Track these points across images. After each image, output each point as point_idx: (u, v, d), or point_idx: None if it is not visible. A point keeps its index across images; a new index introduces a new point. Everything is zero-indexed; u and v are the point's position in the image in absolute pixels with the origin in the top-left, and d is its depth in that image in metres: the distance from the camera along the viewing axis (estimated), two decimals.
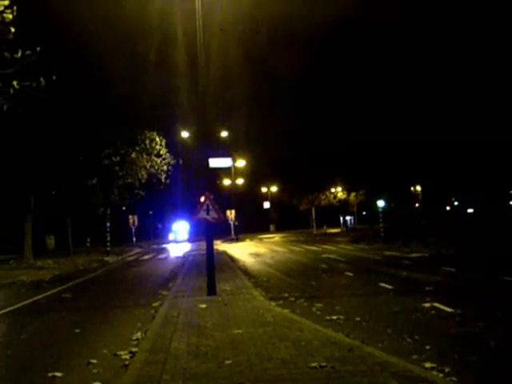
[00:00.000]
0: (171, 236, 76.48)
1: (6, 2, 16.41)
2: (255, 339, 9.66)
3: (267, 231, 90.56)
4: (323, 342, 9.24)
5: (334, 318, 12.17)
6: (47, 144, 33.75)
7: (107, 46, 32.94)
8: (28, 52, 17.32)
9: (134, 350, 9.53)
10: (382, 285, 17.61)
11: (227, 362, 8.14)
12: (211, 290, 15.30)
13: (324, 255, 32.87)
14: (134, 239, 58.05)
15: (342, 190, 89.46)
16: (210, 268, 15.42)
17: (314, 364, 7.79)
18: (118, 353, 9.52)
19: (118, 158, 39.89)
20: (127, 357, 9.18)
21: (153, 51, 36.67)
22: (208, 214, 15.04)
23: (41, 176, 36.71)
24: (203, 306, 13.54)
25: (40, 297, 19.46)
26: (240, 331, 10.29)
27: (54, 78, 20.01)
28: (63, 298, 18.85)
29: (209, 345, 9.34)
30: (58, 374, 8.42)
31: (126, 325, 12.68)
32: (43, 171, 36.19)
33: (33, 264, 34.16)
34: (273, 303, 14.17)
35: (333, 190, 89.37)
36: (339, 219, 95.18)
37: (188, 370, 7.81)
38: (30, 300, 18.59)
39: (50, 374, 8.41)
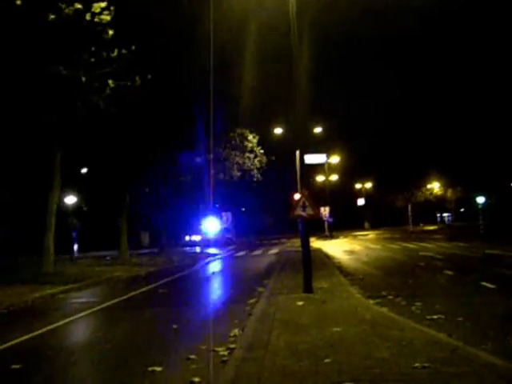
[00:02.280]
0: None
1: (103, 4, 16.80)
2: (354, 337, 9.45)
3: (361, 228, 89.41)
4: (425, 342, 8.92)
5: (435, 317, 11.77)
6: (141, 142, 34.44)
7: (197, 43, 33.28)
8: (124, 51, 17.70)
9: (231, 346, 9.50)
10: (484, 284, 16.94)
11: (326, 360, 7.98)
12: (307, 287, 15.14)
13: (421, 253, 32.09)
14: (228, 236, 58.56)
15: (440, 186, 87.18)
16: (307, 265, 15.27)
17: (416, 364, 7.51)
18: (216, 349, 9.52)
19: (212, 156, 40.31)
20: (225, 353, 9.16)
21: (246, 49, 36.79)
22: (304, 210, 14.90)
23: (135, 174, 37.60)
24: (300, 303, 13.41)
25: (136, 292, 19.85)
26: (338, 329, 10.10)
27: (149, 76, 20.37)
28: (159, 294, 19.16)
29: (307, 342, 9.21)
30: (158, 369, 8.49)
31: (222, 321, 12.70)
32: (138, 169, 37.03)
33: (128, 260, 35.02)
34: (371, 301, 13.88)
35: (429, 186, 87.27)
36: (436, 216, 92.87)
37: (287, 368, 7.70)
38: (127, 296, 18.99)
39: (150, 369, 8.49)
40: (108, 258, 37.81)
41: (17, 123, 22.32)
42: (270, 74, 39.37)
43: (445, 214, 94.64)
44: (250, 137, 42.39)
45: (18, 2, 16.60)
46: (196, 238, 57.14)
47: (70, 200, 39.05)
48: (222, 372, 7.98)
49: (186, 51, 32.87)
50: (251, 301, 14.96)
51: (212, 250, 45.21)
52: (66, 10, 16.08)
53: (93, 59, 17.69)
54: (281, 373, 7.49)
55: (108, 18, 16.59)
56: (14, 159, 27.40)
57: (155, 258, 37.10)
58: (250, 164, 42.76)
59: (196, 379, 7.82)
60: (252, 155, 42.71)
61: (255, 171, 43.27)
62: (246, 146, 42.29)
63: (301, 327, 10.48)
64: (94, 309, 15.98)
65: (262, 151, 43.37)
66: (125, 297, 18.70)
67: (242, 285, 20.39)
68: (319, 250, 36.83)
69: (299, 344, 9.10)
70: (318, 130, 59.38)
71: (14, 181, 32.71)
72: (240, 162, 42.39)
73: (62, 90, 19.59)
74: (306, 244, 15.41)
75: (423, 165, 75.36)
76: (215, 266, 31.84)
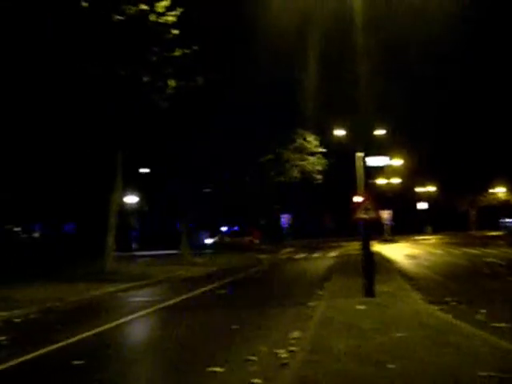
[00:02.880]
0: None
1: (166, 3, 16.83)
2: (417, 343, 9.21)
3: (422, 232, 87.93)
4: (491, 351, 8.62)
5: (500, 325, 11.38)
6: (205, 143, 34.59)
7: (260, 44, 33.24)
8: (186, 50, 17.76)
9: (292, 348, 9.39)
10: None
11: (389, 365, 7.77)
12: (369, 291, 14.90)
13: (485, 259, 31.32)
14: (288, 238, 58.45)
15: (506, 191, 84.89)
16: (368, 269, 15.03)
17: (483, 373, 7.23)
18: (277, 351, 9.41)
19: (271, 156, 40.27)
20: (286, 355, 9.05)
21: (310, 51, 36.55)
22: (366, 213, 14.67)
23: (195, 174, 37.81)
24: (361, 307, 13.19)
25: (196, 292, 19.93)
26: (400, 334, 9.86)
27: (213, 76, 20.41)
28: (219, 294, 19.19)
29: (369, 347, 9.01)
30: (218, 370, 8.42)
31: (282, 323, 12.60)
32: (198, 169, 37.23)
33: (190, 260, 35.23)
34: (433, 307, 13.55)
35: (492, 190, 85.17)
36: (499, 221, 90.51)
37: (349, 372, 7.53)
38: (187, 295, 19.07)
39: (210, 369, 8.43)
40: (170, 257, 38.13)
41: (80, 123, 22.70)
42: (331, 75, 38.99)
43: (508, 220, 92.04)
44: (311, 138, 42.21)
45: (85, 4, 16.89)
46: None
47: (131, 200, 39.60)
48: (283, 374, 7.86)
49: (246, 50, 32.83)
50: (311, 303, 14.82)
51: (271, 252, 45.12)
52: (131, 11, 16.23)
53: (155, 58, 17.82)
54: (343, 377, 7.33)
55: (173, 18, 16.68)
56: (79, 159, 27.91)
57: (215, 257, 37.25)
58: (310, 166, 42.59)
59: (256, 381, 7.72)
60: (313, 157, 42.53)
61: (316, 173, 43.06)
62: (307, 148, 42.13)
63: (362, 331, 10.29)
64: (154, 308, 16.08)
65: (322, 152, 43.11)
66: (185, 296, 18.78)
67: (302, 287, 20.26)
68: (379, 254, 36.29)
69: (361, 348, 8.91)
70: (380, 131, 58.48)
71: (78, 181, 33.33)
72: (300, 163, 42.27)
73: (124, 90, 19.84)
74: (367, 247, 15.17)
75: (488, 169, 73.54)
76: (275, 268, 31.76)
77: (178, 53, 17.67)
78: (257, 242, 50.67)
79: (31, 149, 27.75)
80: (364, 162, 15.48)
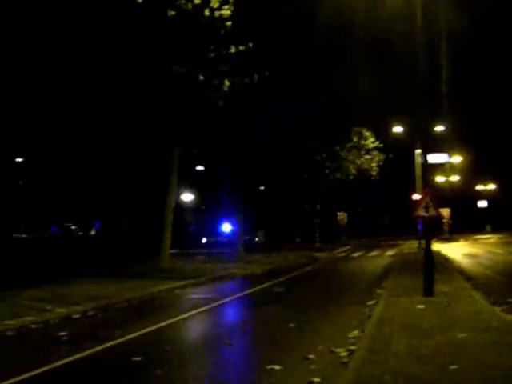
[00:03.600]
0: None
1: None
2: (480, 345, 8.97)
3: (482, 231, 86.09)
4: None
5: None
6: (258, 141, 34.54)
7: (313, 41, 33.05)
8: (242, 47, 17.70)
9: (351, 348, 9.27)
10: None
11: (452, 366, 7.58)
12: (428, 290, 14.61)
13: None
14: (343, 236, 57.99)
15: None
16: (428, 267, 14.74)
17: None
18: (335, 350, 9.31)
19: (325, 155, 40.03)
20: (345, 354, 8.94)
21: (363, 45, 36.18)
22: (426, 211, 14.40)
23: (251, 172, 37.86)
24: (421, 306, 12.94)
25: (252, 290, 19.92)
26: (463, 335, 9.62)
27: (267, 73, 20.32)
28: (275, 293, 19.12)
29: (430, 347, 8.82)
30: (277, 367, 8.37)
31: (340, 322, 12.49)
32: (253, 167, 37.26)
33: (244, 258, 35.28)
34: (496, 308, 13.20)
35: None
36: None
37: (410, 373, 7.38)
38: (243, 293, 19.08)
39: (269, 367, 8.38)
40: (223, 255, 38.25)
41: (138, 121, 22.94)
42: (389, 73, 38.55)
43: None
44: (368, 135, 41.78)
45: (139, 1, 16.96)
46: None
47: (187, 197, 39.91)
48: (343, 374, 7.76)
49: (299, 47, 32.65)
50: (370, 302, 14.63)
51: (327, 250, 44.85)
52: (186, 6, 16.23)
53: (212, 54, 17.83)
54: (404, 377, 7.18)
55: (228, 12, 16.63)
56: (136, 157, 28.25)
57: (270, 256, 37.20)
58: (366, 163, 42.19)
59: (316, 379, 7.65)
60: (369, 154, 42.12)
61: (372, 170, 42.62)
62: (364, 145, 41.73)
63: (423, 331, 10.08)
64: (211, 305, 16.13)
65: (379, 148, 42.60)
66: (240, 294, 18.81)
67: (359, 286, 20.07)
68: (438, 253, 35.64)
69: (422, 348, 8.74)
70: (439, 128, 57.45)
71: (135, 179, 33.75)
72: (357, 161, 41.90)
73: (180, 89, 19.95)
74: (427, 245, 14.90)
75: None
76: (331, 266, 31.55)
77: (233, 50, 17.65)
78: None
79: (88, 147, 28.23)
80: (425, 160, 15.17)
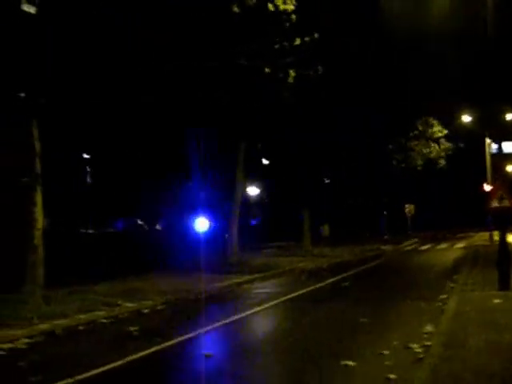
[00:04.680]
0: None
1: None
2: None
3: None
4: None
5: None
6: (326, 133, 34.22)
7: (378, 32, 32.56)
8: (307, 39, 17.53)
9: (426, 343, 9.04)
10: None
11: None
12: (504, 284, 14.15)
13: None
14: (410, 229, 56.99)
15: None
16: (503, 260, 14.28)
17: None
18: (410, 345, 9.10)
19: (392, 146, 39.41)
20: (420, 350, 8.73)
21: (433, 33, 35.40)
22: (501, 202, 13.96)
23: (318, 167, 37.63)
24: (497, 301, 12.52)
25: (320, 284, 19.73)
26: None
27: (331, 65, 20.10)
28: (344, 287, 18.91)
29: (509, 343, 8.51)
30: (351, 363, 8.22)
31: (413, 316, 12.23)
32: (320, 162, 37.01)
33: (310, 251, 35.04)
34: None
35: None
36: None
37: (489, 369, 7.13)
38: (311, 287, 18.90)
39: (343, 363, 8.24)
40: (289, 248, 38.11)
41: (205, 116, 23.03)
42: (455, 60, 37.65)
43: None
44: (435, 124, 40.82)
45: None
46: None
47: (253, 191, 39.97)
48: (419, 370, 7.56)
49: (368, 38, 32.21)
50: (442, 297, 14.29)
51: (394, 243, 44.18)
52: (250, 1, 16.16)
53: (277, 46, 17.71)
54: (483, 374, 6.94)
55: (291, 6, 16.48)
56: (203, 151, 28.37)
57: (337, 249, 36.87)
58: (434, 153, 41.28)
59: (392, 376, 7.47)
60: (436, 144, 41.17)
61: (440, 160, 41.70)
62: (431, 134, 40.80)
63: (500, 326, 9.76)
64: (280, 299, 16.07)
65: (448, 136, 41.56)
66: (309, 288, 18.66)
67: (430, 279, 19.70)
68: None
69: (500, 344, 8.46)
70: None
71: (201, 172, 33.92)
72: (424, 151, 41.05)
73: (246, 82, 19.95)
74: (502, 238, 14.44)
75: None
76: (399, 259, 31.11)
77: (298, 42, 17.48)
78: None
79: (154, 142, 28.52)
80: (500, 148, 14.71)
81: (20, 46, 14.74)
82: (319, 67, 19.98)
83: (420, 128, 40.49)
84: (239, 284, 20.01)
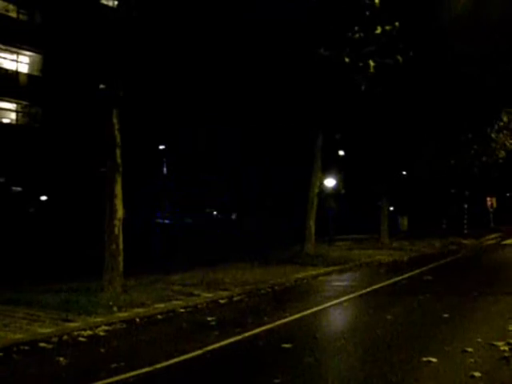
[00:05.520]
0: None
1: None
2: None
3: None
4: None
5: None
6: (403, 126, 33.52)
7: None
8: (388, 27, 17.15)
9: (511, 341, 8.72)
10: None
11: None
12: None
13: None
14: (492, 222, 55.50)
15: None
16: None
17: None
18: (494, 343, 8.79)
19: (471, 136, 38.20)
20: (505, 348, 8.42)
21: None
22: None
23: (400, 159, 36.97)
24: None
25: (400, 278, 19.36)
26: None
27: (411, 54, 19.63)
28: (424, 281, 18.51)
29: None
30: (433, 360, 7.99)
31: (496, 312, 11.87)
32: (400, 154, 36.31)
33: (387, 244, 34.54)
34: None
35: None
36: None
37: None
38: (389, 281, 18.57)
39: (425, 359, 8.02)
40: (366, 241, 37.67)
41: (283, 107, 22.92)
42: None
43: None
44: None
45: None
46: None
47: (329, 183, 39.59)
48: (504, 369, 7.27)
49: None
50: None
51: (475, 236, 43.10)
52: None
53: (358, 35, 17.37)
54: None
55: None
56: (279, 143, 28.33)
57: (415, 242, 36.20)
58: None
59: (476, 374, 7.22)
60: None
61: None
62: None
63: None
64: (358, 293, 15.82)
65: None
66: (388, 282, 18.33)
67: None
68: None
69: None
70: None
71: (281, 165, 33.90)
72: (507, 142, 39.60)
73: (325, 72, 19.70)
74: None
75: None
76: (480, 254, 30.30)
77: (379, 30, 17.10)
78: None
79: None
80: None
81: (100, 39, 15.00)
82: (398, 57, 19.53)
83: (504, 119, 39.06)
84: (315, 276, 19.83)
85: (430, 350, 8.61)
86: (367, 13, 16.84)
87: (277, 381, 7.38)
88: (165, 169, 54.94)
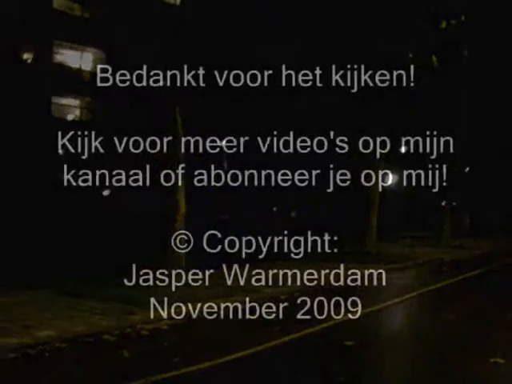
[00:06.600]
0: None
1: None
2: None
3: None
4: None
5: None
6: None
7: None
8: (453, 21, 16.83)
9: None
10: None
11: None
12: None
13: None
14: None
15: None
16: None
17: None
18: None
19: None
20: None
21: None
22: None
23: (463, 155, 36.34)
24: None
25: (461, 277, 19.07)
26: None
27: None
28: (487, 281, 18.17)
29: None
30: (501, 361, 7.81)
31: None
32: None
33: (449, 243, 33.95)
34: None
35: None
36: None
37: None
38: (452, 280, 18.26)
39: (492, 360, 7.84)
40: (427, 238, 37.11)
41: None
42: None
43: None
44: None
45: None
46: None
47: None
48: None
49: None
50: None
51: None
52: None
53: (420, 29, 17.11)
54: None
55: None
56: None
57: (479, 241, 35.53)
58: None
59: None
60: None
61: None
62: None
63: None
64: (418, 291, 15.60)
65: None
66: (449, 281, 18.02)
67: None
68: None
69: None
70: None
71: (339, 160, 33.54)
72: None
73: (387, 67, 19.47)
74: None
75: None
76: None
77: (443, 25, 16.78)
78: None
79: None
80: None
81: (162, 35, 15.12)
82: (465, 51, 19.19)
83: None
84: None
85: (497, 351, 8.40)
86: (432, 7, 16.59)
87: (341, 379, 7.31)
88: (225, 164, 54.95)
